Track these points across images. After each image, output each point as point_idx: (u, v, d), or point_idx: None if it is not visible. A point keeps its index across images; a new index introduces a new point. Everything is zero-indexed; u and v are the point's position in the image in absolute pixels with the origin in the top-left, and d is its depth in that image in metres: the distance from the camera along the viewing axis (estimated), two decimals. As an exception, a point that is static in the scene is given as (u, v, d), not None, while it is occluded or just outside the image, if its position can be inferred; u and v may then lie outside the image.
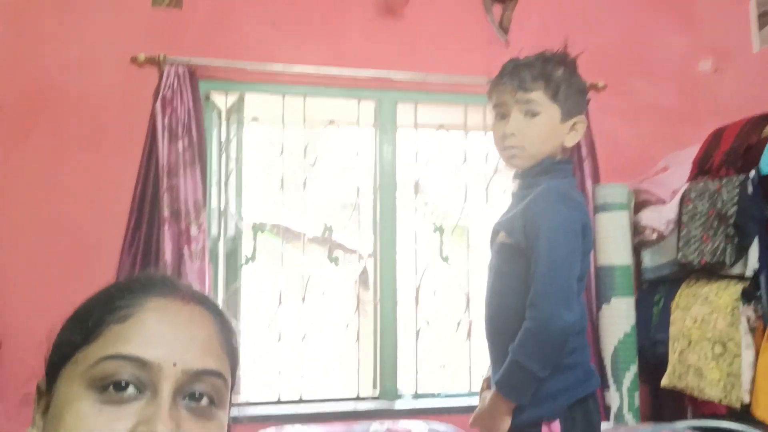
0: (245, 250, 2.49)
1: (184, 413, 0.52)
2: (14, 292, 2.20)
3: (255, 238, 2.46)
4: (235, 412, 2.05)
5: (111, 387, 0.50)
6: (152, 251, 2.19)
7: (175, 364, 0.52)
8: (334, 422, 2.23)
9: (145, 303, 0.55)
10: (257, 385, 2.49)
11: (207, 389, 0.54)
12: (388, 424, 2.18)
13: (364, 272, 2.59)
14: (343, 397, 2.45)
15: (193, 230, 2.17)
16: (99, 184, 2.26)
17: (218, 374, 0.55)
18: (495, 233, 1.32)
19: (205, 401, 0.54)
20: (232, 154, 2.50)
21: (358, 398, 2.45)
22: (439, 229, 2.57)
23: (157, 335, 0.53)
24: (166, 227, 2.16)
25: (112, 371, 0.50)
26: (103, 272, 2.18)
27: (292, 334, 2.45)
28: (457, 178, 2.62)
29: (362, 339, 2.49)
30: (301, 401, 2.41)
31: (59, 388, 0.52)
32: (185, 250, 2.15)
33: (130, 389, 0.50)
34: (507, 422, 1.21)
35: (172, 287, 0.58)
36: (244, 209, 2.53)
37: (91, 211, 2.25)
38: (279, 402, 2.39)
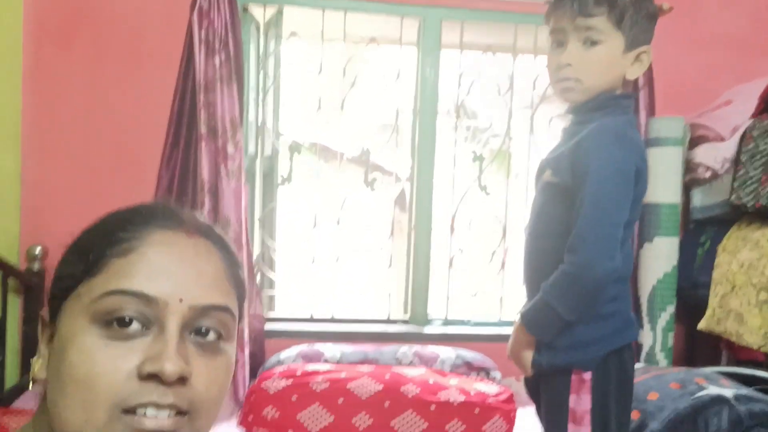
0: (281, 169, 2.47)
1: (192, 349, 0.51)
2: (58, 203, 2.25)
3: (291, 158, 2.43)
4: (270, 326, 2.12)
5: (115, 322, 0.49)
6: (190, 168, 2.19)
7: (181, 300, 0.50)
8: (364, 342, 2.28)
9: (148, 236, 0.52)
10: (291, 303, 2.55)
11: (214, 324, 0.53)
12: (416, 347, 2.21)
13: (401, 196, 2.55)
14: (374, 319, 2.50)
15: (230, 148, 2.14)
16: (138, 98, 2.25)
17: (225, 309, 0.54)
18: (541, 170, 1.25)
19: (212, 336, 0.53)
20: (270, 71, 2.43)
21: (388, 321, 2.50)
22: (479, 158, 2.49)
23: (161, 270, 0.51)
24: (203, 144, 2.14)
25: (116, 307, 0.49)
26: (143, 187, 2.21)
27: (326, 255, 2.47)
28: (502, 104, 2.50)
29: (396, 263, 2.50)
30: (333, 320, 2.46)
31: (63, 320, 0.52)
32: (222, 169, 2.14)
33: (135, 325, 0.49)
34: (528, 355, 1.19)
35: (177, 219, 0.56)
36: (281, 128, 2.49)
37: (131, 125, 2.25)
38: (312, 320, 2.45)
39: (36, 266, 2.18)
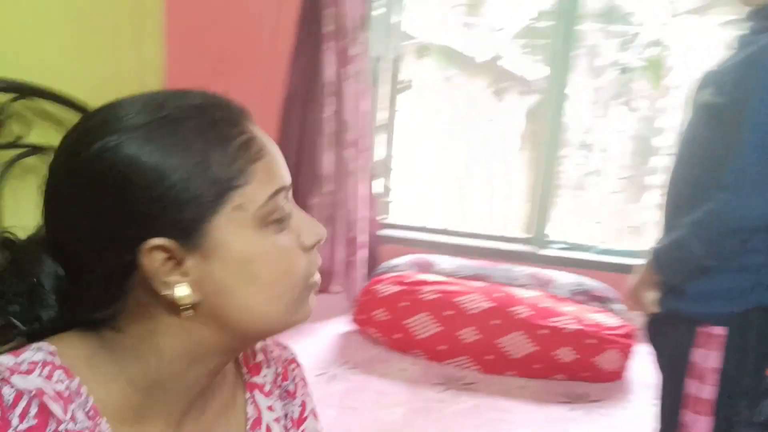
0: (407, 72, 2.39)
1: None
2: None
3: (419, 61, 2.33)
4: (385, 233, 2.13)
5: (281, 217, 0.53)
6: (315, 68, 2.18)
7: (291, 184, 0.56)
8: (478, 258, 2.24)
9: (255, 132, 0.54)
10: (408, 210, 2.55)
11: None
12: (533, 269, 2.13)
13: (533, 107, 2.38)
14: (491, 235, 2.43)
15: (354, 49, 2.09)
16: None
17: None
18: (701, 87, 1.06)
19: None
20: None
21: (506, 239, 2.42)
22: (627, 69, 2.22)
23: (279, 161, 0.55)
24: (327, 45, 2.10)
25: (280, 204, 0.53)
26: (272, 86, 2.24)
27: (448, 166, 2.41)
28: (658, 6, 2.17)
29: (520, 179, 2.38)
30: (448, 232, 2.43)
31: (221, 237, 0.50)
32: (345, 70, 2.10)
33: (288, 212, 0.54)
34: (650, 297, 1.08)
35: (242, 109, 0.56)
36: (410, 29, 2.38)
37: (263, 23, 2.25)
38: (426, 230, 2.44)
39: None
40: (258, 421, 0.64)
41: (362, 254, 2.25)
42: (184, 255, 0.50)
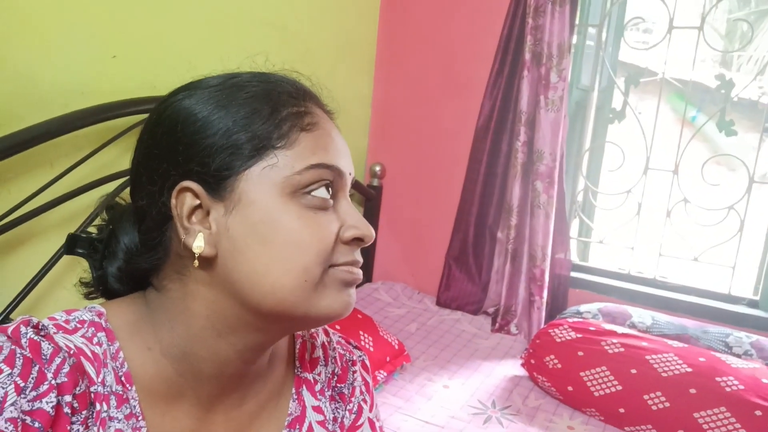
0: (615, 103, 2.18)
1: None
2: (396, 125, 2.47)
3: (627, 92, 2.12)
4: (578, 275, 1.96)
5: (317, 192, 0.52)
6: (512, 97, 2.12)
7: (350, 174, 0.56)
8: (685, 317, 1.91)
9: (317, 112, 0.55)
10: (605, 254, 2.29)
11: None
12: (757, 337, 1.75)
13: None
14: (708, 291, 2.05)
15: (553, 77, 1.98)
16: (470, 24, 2.24)
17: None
18: None
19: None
20: (617, -10, 2.12)
21: (728, 298, 2.02)
22: None
23: (339, 147, 0.55)
24: (526, 71, 2.03)
25: (318, 178, 0.52)
26: (468, 114, 2.24)
27: (654, 207, 2.12)
28: None
29: (749, 227, 1.98)
30: (653, 283, 2.12)
31: (249, 191, 0.50)
32: (542, 99, 2.00)
33: (329, 196, 0.53)
34: None
35: (314, 96, 0.57)
36: (622, 56, 2.18)
37: (462, 51, 2.28)
38: (627, 277, 2.16)
39: (375, 182, 2.45)
40: (299, 419, 0.61)
41: (545, 295, 2.08)
42: (210, 204, 0.51)
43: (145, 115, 1.36)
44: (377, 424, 0.68)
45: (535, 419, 1.58)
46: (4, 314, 1.19)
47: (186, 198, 0.51)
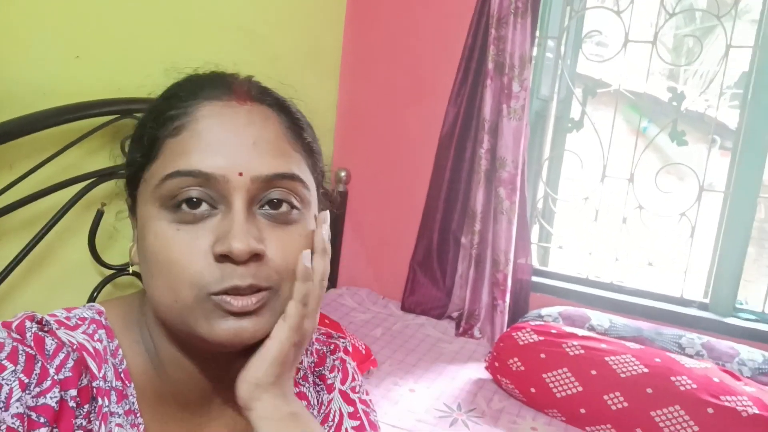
0: (573, 113, 2.26)
1: (263, 222, 0.50)
2: (361, 131, 2.48)
3: (584, 102, 2.20)
4: (538, 280, 2.00)
5: (184, 205, 0.48)
6: (475, 105, 2.16)
7: (241, 174, 0.48)
8: (641, 319, 1.98)
9: (197, 110, 0.50)
10: (567, 258, 2.36)
11: (284, 194, 0.50)
12: (708, 338, 1.83)
13: (716, 145, 2.09)
14: (662, 295, 2.14)
15: (515, 86, 2.03)
16: (435, 32, 2.28)
17: (292, 176, 0.51)
18: None
19: (284, 207, 0.51)
20: (576, 3, 2.20)
21: (680, 301, 2.11)
22: None
23: (214, 145, 0.48)
24: (489, 81, 2.07)
25: (178, 189, 0.48)
26: (433, 120, 2.27)
27: (611, 213, 2.20)
28: None
29: (700, 231, 2.07)
30: (609, 287, 2.19)
31: (139, 207, 0.52)
32: (504, 107, 2.05)
33: (203, 206, 0.49)
34: None
35: (226, 87, 0.52)
36: (580, 66, 2.26)
37: (427, 60, 2.32)
38: (586, 281, 2.23)
39: (341, 188, 2.45)
40: None
41: (508, 299, 2.12)
42: (135, 218, 0.54)
43: (110, 117, 1.34)
44: (355, 396, 0.67)
45: (500, 421, 1.62)
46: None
47: (128, 210, 0.56)
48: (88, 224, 1.35)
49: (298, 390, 0.64)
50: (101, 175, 1.35)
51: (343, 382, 0.66)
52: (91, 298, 1.38)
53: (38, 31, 1.24)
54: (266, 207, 0.50)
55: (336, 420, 0.63)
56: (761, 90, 1.92)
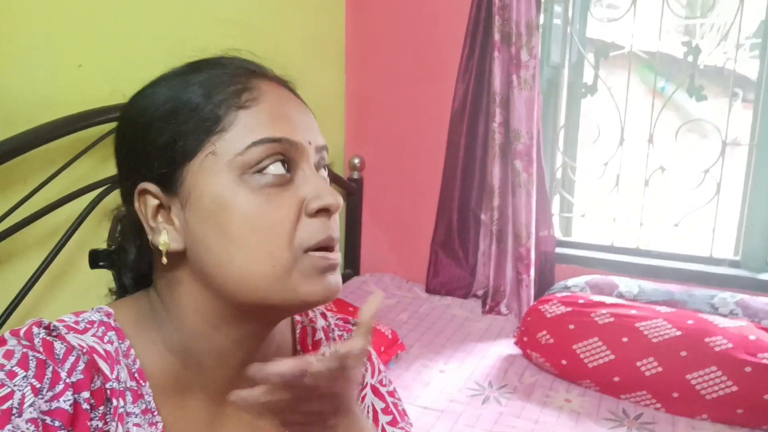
0: (586, 78, 2.20)
1: None
2: (373, 117, 2.46)
3: (597, 66, 2.14)
4: (563, 251, 1.97)
5: (270, 169, 0.51)
6: (484, 79, 2.12)
7: (310, 142, 0.53)
8: (671, 282, 1.94)
9: (259, 86, 0.53)
10: (588, 228, 2.32)
11: (324, 162, 0.56)
12: (742, 296, 1.78)
13: (738, 98, 2.02)
14: (691, 256, 2.09)
15: (524, 55, 1.98)
16: (437, 11, 2.24)
17: (326, 148, 0.57)
18: None
19: (323, 172, 0.56)
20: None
21: (710, 261, 2.06)
22: None
23: (289, 117, 0.53)
24: (497, 52, 2.03)
25: (262, 156, 0.50)
26: (443, 98, 2.23)
27: (632, 177, 2.15)
28: None
29: (725, 190, 2.02)
30: (636, 252, 2.15)
31: (198, 182, 0.51)
32: (514, 78, 2.00)
33: (286, 171, 0.51)
34: None
35: (265, 72, 0.56)
36: (589, 30, 2.20)
37: (431, 38, 2.28)
38: (611, 249, 2.19)
39: (356, 175, 2.44)
40: None
41: (533, 273, 2.09)
42: (169, 201, 0.52)
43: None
44: (383, 389, 0.69)
45: (533, 395, 1.60)
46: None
47: (147, 199, 0.52)
48: (106, 232, 1.36)
49: None
50: (114, 182, 1.36)
51: (372, 376, 0.68)
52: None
53: (38, 43, 1.25)
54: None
55: (370, 416, 0.65)
56: (781, 36, 1.85)
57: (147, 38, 1.48)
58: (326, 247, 0.51)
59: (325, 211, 0.51)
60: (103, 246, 0.62)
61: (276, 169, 0.50)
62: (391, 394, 0.70)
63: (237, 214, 0.49)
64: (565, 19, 2.16)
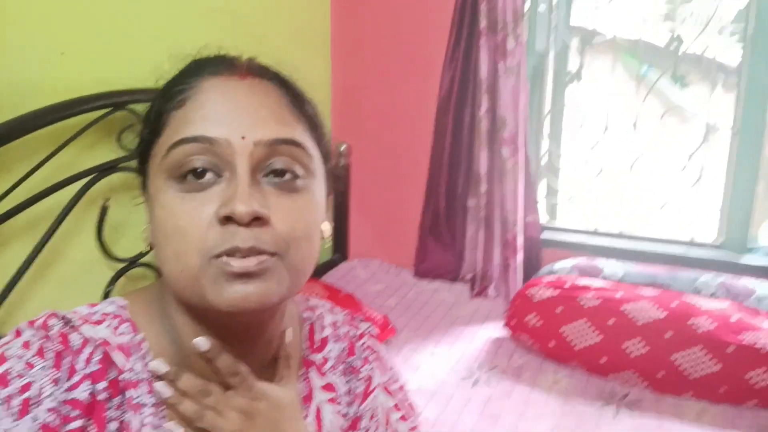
0: (571, 66, 2.22)
1: (269, 189, 0.50)
2: (359, 105, 2.45)
3: (582, 53, 2.15)
4: (549, 236, 2.00)
5: (189, 175, 0.49)
6: (470, 67, 2.12)
7: (243, 137, 0.49)
8: (655, 265, 1.97)
9: (200, 84, 0.52)
10: (573, 213, 2.34)
11: (287, 162, 0.51)
12: (724, 277, 1.81)
13: (720, 84, 2.05)
14: (673, 240, 2.13)
15: (510, 43, 1.99)
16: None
17: (293, 142, 0.51)
18: None
19: (288, 176, 0.51)
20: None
21: (692, 243, 2.10)
22: None
23: (216, 112, 0.50)
24: (483, 40, 2.03)
25: (183, 158, 0.49)
26: (429, 87, 2.23)
27: (617, 163, 2.17)
28: None
29: (707, 175, 2.05)
30: (620, 236, 2.18)
31: (148, 183, 0.54)
32: (500, 66, 2.01)
33: (209, 175, 0.49)
34: None
35: (228, 65, 0.54)
36: (573, 18, 2.21)
37: (417, 27, 2.27)
38: (596, 233, 2.22)
39: (342, 162, 2.44)
40: (305, 399, 0.62)
41: (520, 257, 2.11)
42: (146, 198, 0.55)
43: (102, 111, 1.33)
44: (394, 386, 0.69)
45: (522, 377, 1.62)
46: (-24, 327, 1.15)
47: (141, 191, 0.57)
48: (92, 221, 1.35)
49: (327, 381, 0.64)
50: (100, 171, 1.35)
51: (382, 374, 0.68)
52: (106, 294, 1.38)
53: (20, 30, 1.22)
54: (271, 176, 0.51)
55: (381, 417, 0.66)
56: (761, 25, 1.87)
57: (131, 27, 1.47)
58: (234, 253, 0.48)
59: (228, 219, 0.48)
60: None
61: (193, 173, 0.49)
62: (401, 390, 0.71)
63: (157, 218, 0.51)
64: (549, 6, 2.17)
